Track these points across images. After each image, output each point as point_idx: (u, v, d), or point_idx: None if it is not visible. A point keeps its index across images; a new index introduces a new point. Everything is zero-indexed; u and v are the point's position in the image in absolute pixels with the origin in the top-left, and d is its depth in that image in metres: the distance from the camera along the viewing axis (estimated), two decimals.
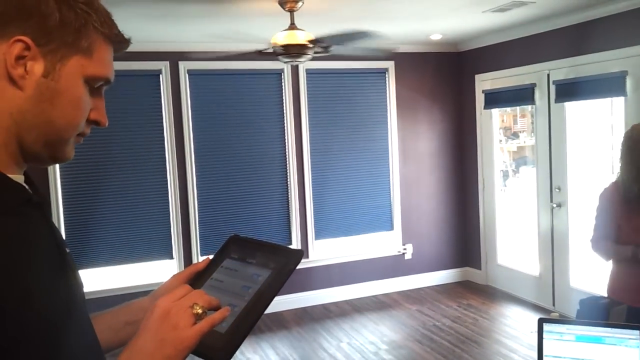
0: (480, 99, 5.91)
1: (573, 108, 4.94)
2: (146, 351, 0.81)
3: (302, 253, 0.97)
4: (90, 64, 0.83)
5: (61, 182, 4.84)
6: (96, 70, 0.84)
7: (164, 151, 5.15)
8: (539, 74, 5.16)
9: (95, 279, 5.02)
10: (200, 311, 0.84)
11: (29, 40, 0.77)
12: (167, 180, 5.17)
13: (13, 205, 0.78)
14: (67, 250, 0.86)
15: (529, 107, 5.64)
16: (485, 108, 5.83)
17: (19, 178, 0.82)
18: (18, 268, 0.72)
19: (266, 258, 0.97)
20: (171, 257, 5.21)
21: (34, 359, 0.71)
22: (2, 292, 0.68)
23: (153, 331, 0.82)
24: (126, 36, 0.89)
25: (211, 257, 1.04)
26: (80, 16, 0.81)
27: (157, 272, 5.19)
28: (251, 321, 0.88)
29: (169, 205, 5.18)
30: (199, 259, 5.19)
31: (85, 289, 0.92)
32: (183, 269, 4.64)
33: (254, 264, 0.97)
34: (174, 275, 1.05)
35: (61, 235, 0.87)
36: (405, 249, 6.06)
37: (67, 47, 0.80)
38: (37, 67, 0.78)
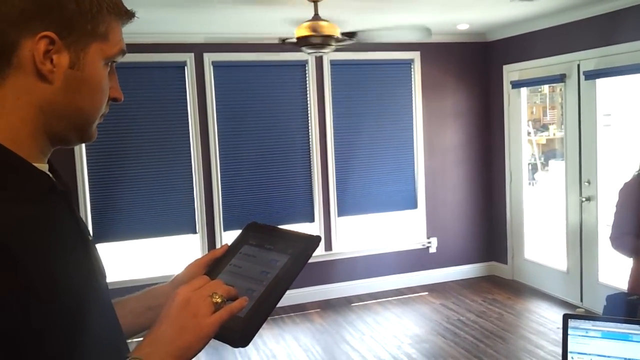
0: (508, 91, 5.81)
1: (604, 98, 4.82)
2: (167, 338, 0.81)
3: (319, 239, 0.97)
4: (109, 46, 0.85)
5: (87, 165, 4.92)
6: (114, 50, 0.86)
7: (189, 141, 5.18)
8: (568, 64, 5.04)
9: (118, 269, 5.11)
10: (219, 300, 0.85)
11: (54, 35, 0.78)
12: (191, 165, 5.21)
13: (38, 193, 0.80)
14: (90, 238, 0.88)
15: (560, 99, 5.51)
16: (513, 88, 5.70)
17: (43, 167, 0.84)
18: (43, 254, 0.73)
19: (284, 244, 0.97)
20: (195, 232, 5.27)
21: (58, 342, 0.73)
22: (28, 278, 0.69)
23: (173, 319, 0.83)
24: (131, 11, 0.90)
25: (229, 243, 1.05)
26: (94, 3, 0.82)
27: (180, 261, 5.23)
28: (270, 306, 0.89)
29: (193, 185, 5.22)
30: (222, 233, 5.29)
31: (109, 280, 0.94)
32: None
33: (272, 250, 0.97)
34: (193, 262, 1.06)
35: (84, 223, 0.89)
36: (429, 243, 6.00)
37: (88, 36, 0.82)
38: (63, 60, 0.80)
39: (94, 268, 0.87)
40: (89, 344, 0.78)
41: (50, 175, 0.85)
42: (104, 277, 0.91)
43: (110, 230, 4.97)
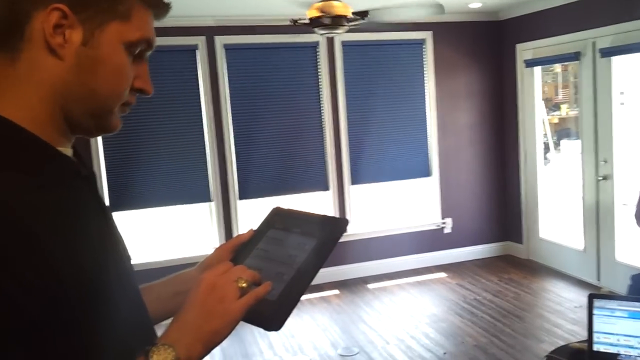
0: (521, 70, 5.76)
1: (619, 76, 4.76)
2: (194, 324, 0.81)
3: (347, 222, 0.96)
4: (129, 29, 0.81)
5: (103, 142, 4.96)
6: (136, 35, 0.82)
7: (202, 125, 5.19)
8: (583, 42, 4.98)
9: (141, 251, 5.16)
10: (244, 285, 0.84)
11: (66, 8, 0.75)
12: (205, 150, 5.23)
13: (63, 178, 0.79)
14: (115, 224, 0.87)
15: (572, 77, 5.46)
16: (526, 67, 5.65)
17: (68, 151, 0.83)
18: (70, 240, 0.73)
19: (311, 227, 0.96)
20: (210, 200, 5.30)
21: (86, 328, 0.72)
22: (57, 264, 0.69)
23: (200, 304, 0.82)
24: (166, 0, 0.87)
25: (255, 228, 1.04)
26: None
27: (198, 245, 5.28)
28: (300, 289, 0.88)
29: (206, 157, 5.24)
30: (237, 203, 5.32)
31: (133, 261, 0.94)
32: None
33: (299, 233, 0.97)
34: (219, 247, 1.05)
35: (109, 209, 0.88)
36: (444, 223, 6.00)
37: (104, 13, 0.78)
38: (76, 35, 0.77)
39: (120, 253, 0.87)
40: (117, 329, 0.78)
41: (75, 160, 0.84)
42: (130, 260, 0.91)
43: (126, 199, 5.00)
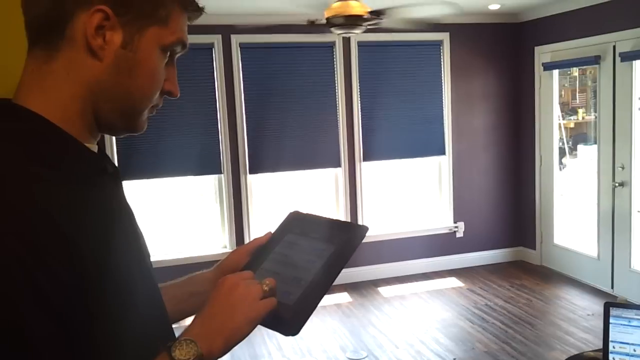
0: (539, 73, 5.69)
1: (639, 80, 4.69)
2: (217, 319, 0.81)
3: (366, 228, 0.95)
4: (167, 33, 0.82)
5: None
6: (172, 38, 0.83)
7: (217, 124, 5.18)
8: (603, 45, 4.91)
9: (158, 248, 5.12)
10: (267, 289, 0.85)
11: (109, 10, 0.76)
12: (217, 123, 5.22)
13: (89, 174, 0.80)
14: (137, 221, 0.88)
15: (590, 82, 5.39)
16: (545, 70, 5.58)
17: (93, 148, 0.83)
18: (95, 236, 0.73)
19: (329, 233, 0.96)
20: (220, 172, 5.28)
21: (108, 323, 0.73)
22: (82, 260, 0.69)
23: (223, 299, 0.83)
24: (200, 4, 0.88)
25: (272, 231, 1.03)
26: None
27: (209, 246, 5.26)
28: (319, 294, 0.88)
29: (218, 133, 5.21)
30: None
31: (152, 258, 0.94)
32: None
33: (318, 239, 0.95)
34: (236, 249, 1.05)
35: (132, 207, 0.89)
36: (456, 227, 5.95)
37: (146, 18, 0.79)
38: (116, 38, 0.78)
39: (142, 250, 0.88)
40: (139, 325, 0.79)
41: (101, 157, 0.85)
42: (149, 256, 0.91)
43: (136, 168, 4.98)
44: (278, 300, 0.85)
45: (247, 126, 5.26)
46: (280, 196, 5.58)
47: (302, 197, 5.64)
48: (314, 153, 5.48)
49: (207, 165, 5.23)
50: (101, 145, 0.87)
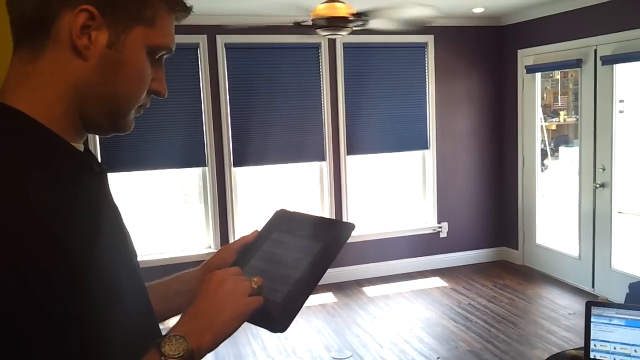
0: (522, 75, 5.75)
1: (619, 84, 4.76)
2: (206, 315, 0.81)
3: (353, 226, 0.95)
4: (154, 34, 0.82)
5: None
6: (159, 40, 0.83)
7: (202, 125, 5.17)
8: (585, 49, 4.98)
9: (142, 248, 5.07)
10: (255, 287, 0.85)
11: (94, 10, 0.76)
12: (201, 117, 5.21)
13: (76, 173, 0.80)
14: (123, 220, 0.88)
15: (571, 84, 5.46)
16: (527, 73, 5.65)
17: (79, 147, 0.83)
18: (82, 235, 0.73)
19: (316, 231, 0.96)
20: (205, 165, 5.26)
21: (95, 322, 0.73)
22: (69, 259, 0.69)
23: (212, 294, 0.83)
24: (187, 5, 0.88)
25: (259, 229, 1.03)
26: None
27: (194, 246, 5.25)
28: (306, 291, 0.88)
29: (202, 126, 5.20)
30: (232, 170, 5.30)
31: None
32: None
33: (304, 236, 0.96)
34: (224, 247, 1.05)
35: (118, 206, 0.89)
36: (440, 227, 5.99)
37: (131, 17, 0.79)
38: (102, 37, 0.78)
39: (128, 248, 0.88)
40: (126, 323, 0.79)
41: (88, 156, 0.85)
42: (136, 256, 0.92)
43: (119, 161, 4.97)
44: (266, 297, 0.86)
45: (231, 122, 5.25)
46: (266, 192, 5.59)
47: (288, 192, 5.65)
48: (299, 147, 5.49)
49: (191, 158, 5.23)
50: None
